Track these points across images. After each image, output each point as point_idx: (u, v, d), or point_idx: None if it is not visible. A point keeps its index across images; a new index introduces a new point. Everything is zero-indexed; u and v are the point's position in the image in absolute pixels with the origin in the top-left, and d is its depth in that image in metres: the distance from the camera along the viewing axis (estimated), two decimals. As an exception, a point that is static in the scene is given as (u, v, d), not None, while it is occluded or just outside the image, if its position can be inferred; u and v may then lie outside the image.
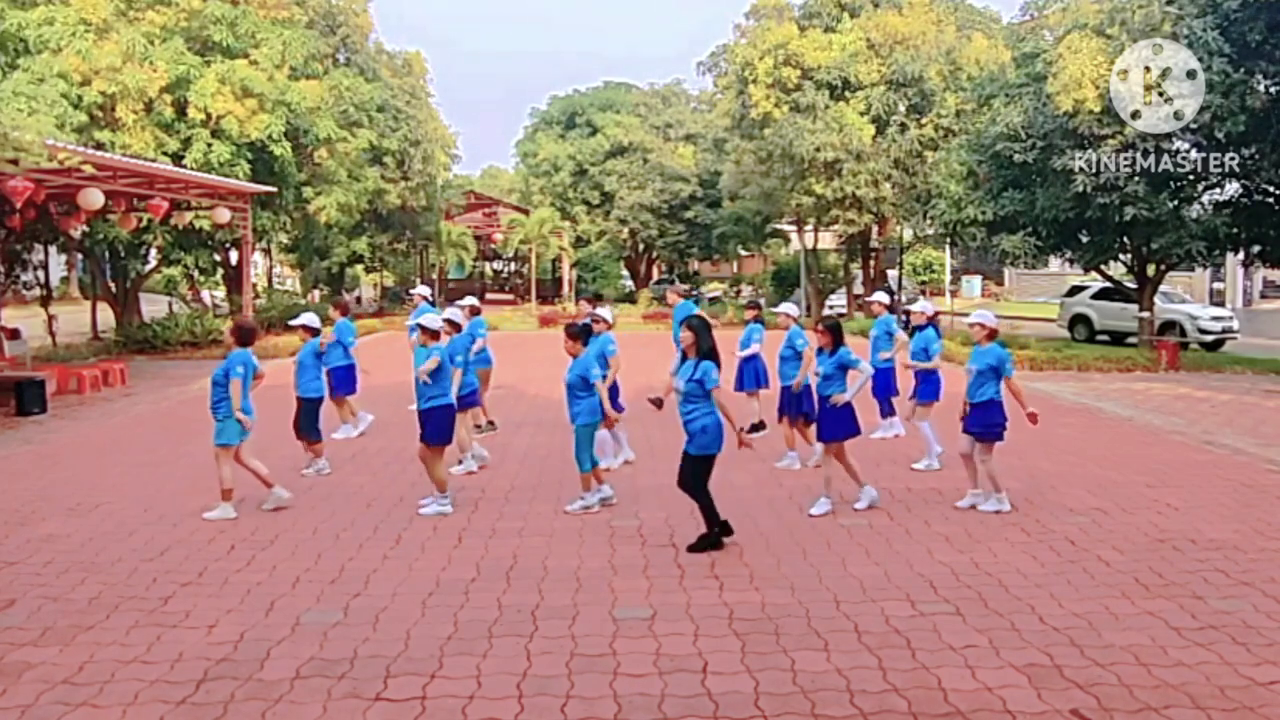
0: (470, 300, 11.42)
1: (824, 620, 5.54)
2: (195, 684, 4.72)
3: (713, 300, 42.55)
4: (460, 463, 9.35)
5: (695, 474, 6.84)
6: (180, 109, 19.61)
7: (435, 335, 8.09)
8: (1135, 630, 5.40)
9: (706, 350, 6.81)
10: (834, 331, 7.82)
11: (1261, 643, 5.23)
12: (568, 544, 7.00)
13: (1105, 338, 25.18)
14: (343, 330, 11.07)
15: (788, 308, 10.10)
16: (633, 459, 9.68)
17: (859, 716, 4.41)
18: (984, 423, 7.77)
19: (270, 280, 39.89)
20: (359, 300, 43.74)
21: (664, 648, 5.15)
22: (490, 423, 11.21)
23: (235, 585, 6.15)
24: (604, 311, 9.72)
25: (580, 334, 7.87)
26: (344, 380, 11.04)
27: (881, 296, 11.77)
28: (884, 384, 10.79)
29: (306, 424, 9.39)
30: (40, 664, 4.96)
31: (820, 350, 7.94)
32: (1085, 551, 6.87)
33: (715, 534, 6.90)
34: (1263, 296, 39.73)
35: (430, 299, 12.44)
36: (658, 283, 46.04)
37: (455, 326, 9.04)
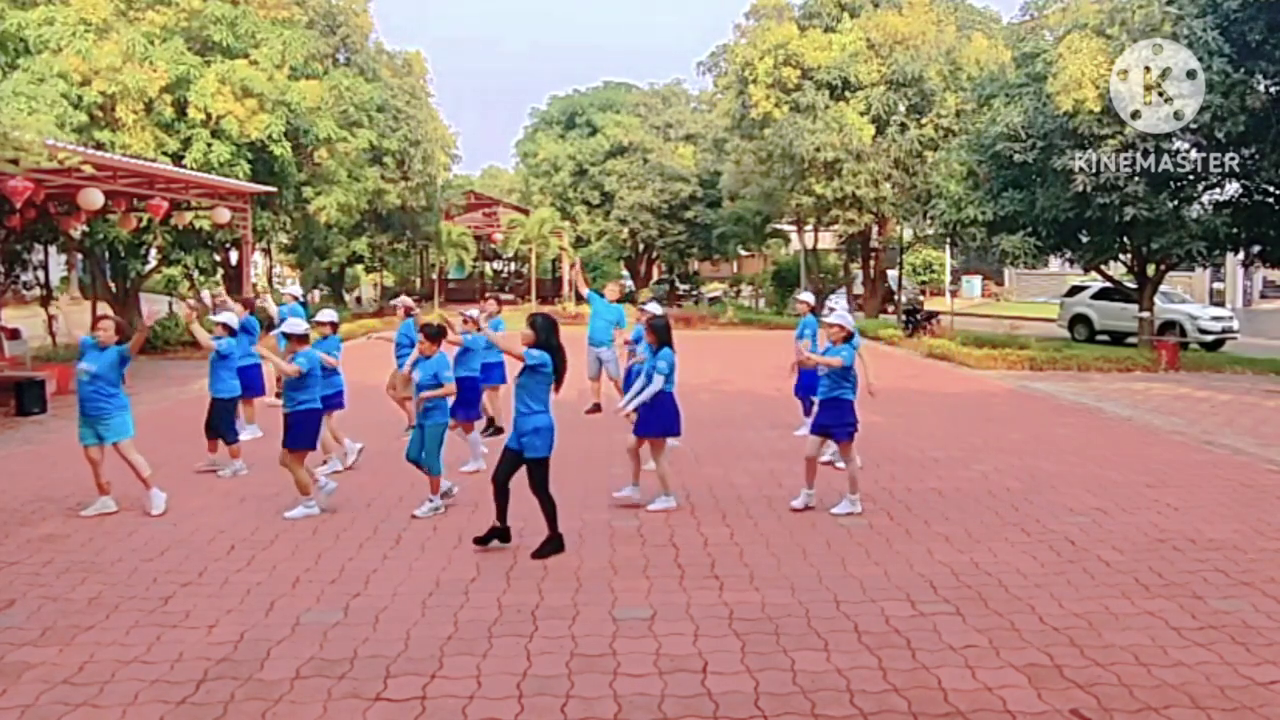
0: (404, 300, 11.30)
1: (824, 620, 5.54)
2: (195, 684, 4.73)
3: (713, 300, 42.54)
4: (325, 462, 9.29)
5: (539, 479, 6.66)
6: (180, 109, 19.59)
7: (304, 340, 7.97)
8: (1135, 630, 5.40)
9: (541, 345, 6.63)
10: (659, 331, 7.91)
11: (1261, 643, 5.24)
12: (567, 544, 6.99)
13: (1105, 338, 25.19)
14: (248, 326, 10.76)
15: (652, 306, 10.02)
16: (483, 469, 9.29)
17: (859, 716, 4.41)
18: (836, 421, 7.84)
19: (270, 280, 39.90)
20: (359, 300, 43.73)
21: (664, 648, 5.15)
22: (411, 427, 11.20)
23: (235, 585, 6.15)
24: (475, 311, 9.86)
25: (434, 336, 7.82)
26: (250, 381, 10.66)
27: (807, 297, 11.81)
28: (807, 383, 10.86)
29: (221, 425, 9.34)
30: (40, 664, 4.96)
31: (648, 346, 8.04)
32: (1085, 551, 6.87)
33: (559, 538, 6.77)
34: (1263, 296, 39.72)
35: (302, 299, 12.20)
36: (658, 283, 46.05)
37: (334, 326, 9.19)
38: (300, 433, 7.68)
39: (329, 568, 6.50)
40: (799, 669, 4.89)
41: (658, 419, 7.86)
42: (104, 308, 23.12)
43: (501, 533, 6.88)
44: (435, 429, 7.73)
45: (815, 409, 8.06)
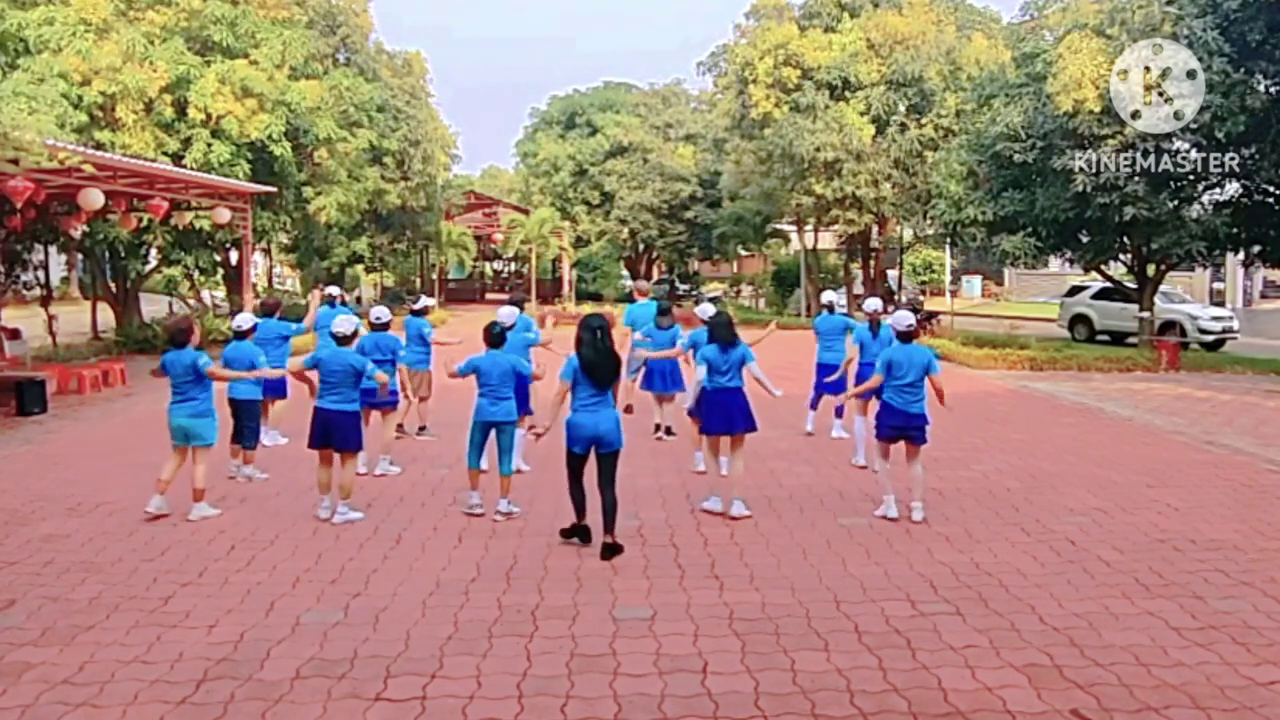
0: (360, 304, 11.28)
1: (824, 620, 5.54)
2: (195, 684, 4.73)
3: (713, 300, 42.48)
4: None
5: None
6: (180, 109, 19.59)
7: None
8: (1135, 630, 5.40)
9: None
10: (714, 330, 7.95)
11: (1261, 643, 5.24)
12: (568, 544, 7.00)
13: (1105, 338, 25.19)
14: (266, 330, 10.29)
15: (704, 308, 10.04)
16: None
17: (859, 716, 4.41)
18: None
19: (270, 280, 39.87)
20: (359, 300, 43.74)
21: (664, 648, 5.15)
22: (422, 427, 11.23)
23: (235, 585, 6.15)
24: (374, 308, 10.08)
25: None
26: (273, 383, 10.17)
27: (828, 295, 11.87)
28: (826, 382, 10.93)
29: (243, 428, 9.26)
30: (40, 664, 4.96)
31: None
32: (1085, 551, 6.87)
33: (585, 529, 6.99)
34: (1263, 296, 39.68)
35: (339, 300, 12.42)
36: (658, 283, 46.02)
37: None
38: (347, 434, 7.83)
39: (329, 568, 6.50)
40: (799, 669, 4.89)
41: (714, 416, 7.86)
42: (104, 308, 23.17)
43: (581, 530, 6.96)
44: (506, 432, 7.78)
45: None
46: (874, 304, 10.21)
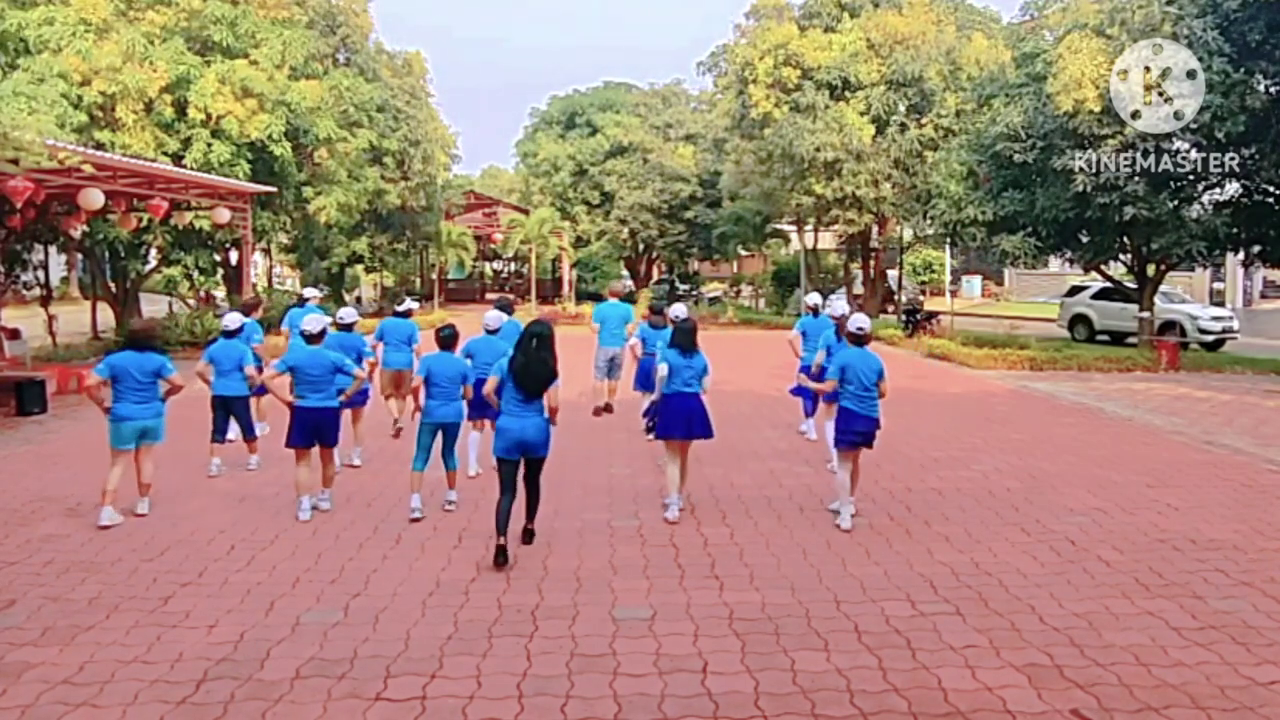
0: (341, 306, 11.38)
1: (824, 620, 5.54)
2: (195, 684, 4.73)
3: (713, 300, 42.51)
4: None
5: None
6: (180, 109, 19.61)
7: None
8: (1135, 630, 5.40)
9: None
10: (675, 334, 7.98)
11: (1261, 643, 5.24)
12: (568, 544, 7.01)
13: (1105, 338, 25.19)
14: (250, 329, 10.49)
15: (676, 309, 10.01)
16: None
17: (859, 716, 4.41)
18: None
19: (270, 280, 39.85)
20: (359, 300, 43.73)
21: (664, 648, 5.15)
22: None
23: (235, 585, 6.15)
24: (346, 312, 10.11)
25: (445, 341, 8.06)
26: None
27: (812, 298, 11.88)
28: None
29: (241, 424, 9.50)
30: (40, 664, 4.96)
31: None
32: (1085, 551, 6.87)
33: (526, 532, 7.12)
34: (1263, 296, 39.67)
35: (308, 300, 12.44)
36: (658, 283, 46.03)
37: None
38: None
39: (329, 568, 6.50)
40: (799, 669, 4.89)
41: (670, 422, 7.88)
42: (104, 308, 23.18)
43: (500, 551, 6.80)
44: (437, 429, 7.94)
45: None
46: (840, 307, 10.21)
